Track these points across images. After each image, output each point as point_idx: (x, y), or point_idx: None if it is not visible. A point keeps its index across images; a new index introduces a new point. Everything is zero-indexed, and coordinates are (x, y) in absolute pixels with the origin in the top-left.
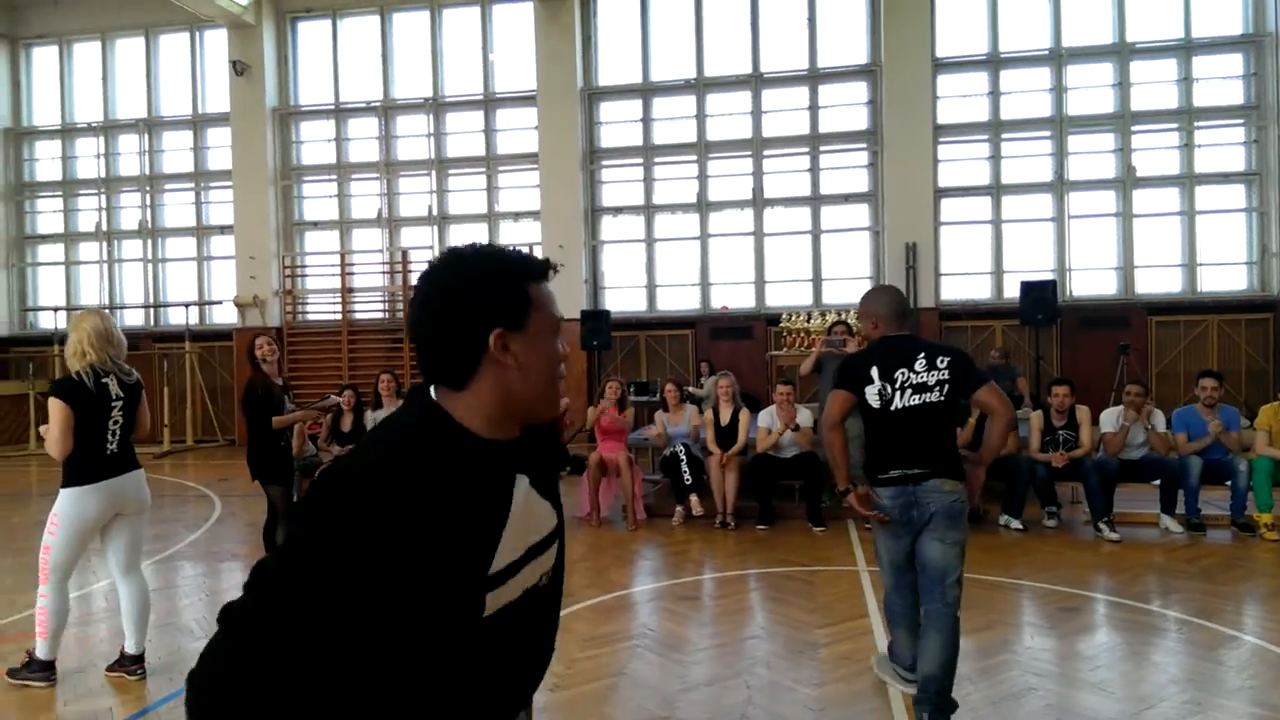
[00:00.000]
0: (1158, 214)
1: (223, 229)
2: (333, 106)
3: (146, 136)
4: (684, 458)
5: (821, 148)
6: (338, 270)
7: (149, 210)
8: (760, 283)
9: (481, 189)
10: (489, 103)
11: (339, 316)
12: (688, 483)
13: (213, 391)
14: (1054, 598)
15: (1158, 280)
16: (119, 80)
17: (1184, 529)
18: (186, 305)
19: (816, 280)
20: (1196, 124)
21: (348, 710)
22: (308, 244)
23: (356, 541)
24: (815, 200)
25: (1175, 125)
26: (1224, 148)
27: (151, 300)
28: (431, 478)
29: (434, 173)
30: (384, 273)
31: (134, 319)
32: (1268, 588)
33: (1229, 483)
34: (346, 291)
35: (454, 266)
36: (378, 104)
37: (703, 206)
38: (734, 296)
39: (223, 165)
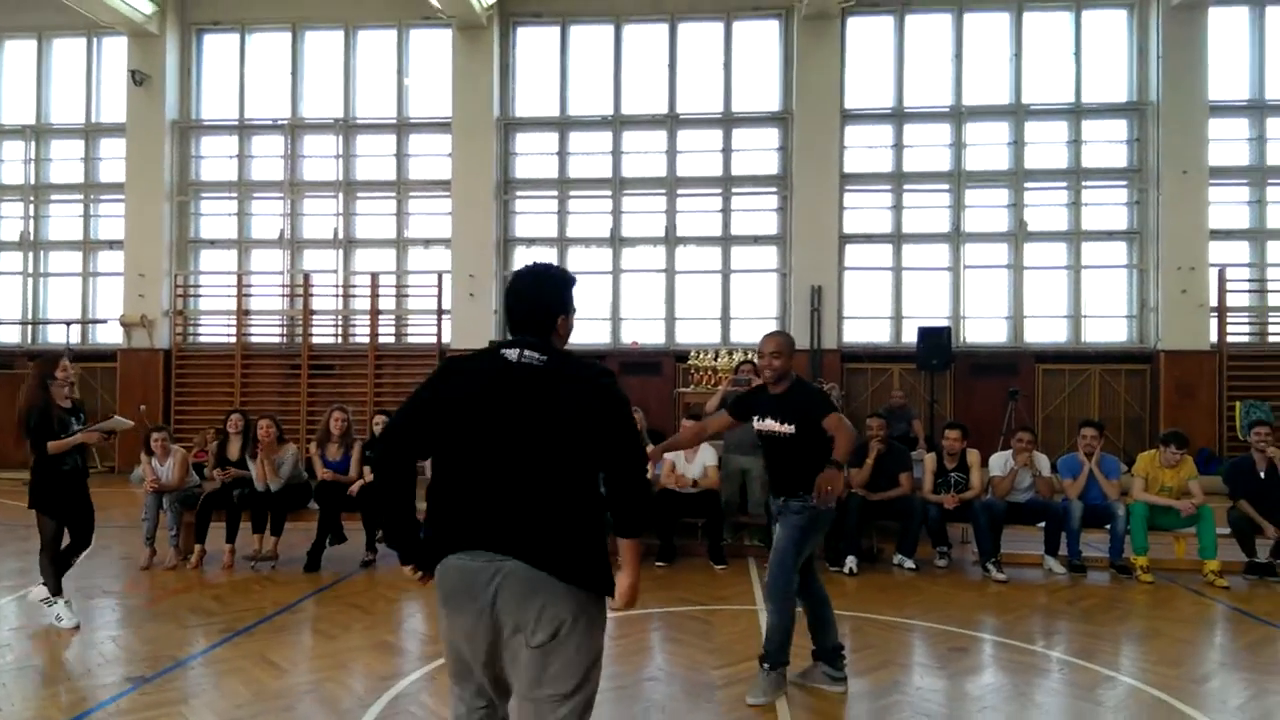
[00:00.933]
0: (1046, 267)
1: (111, 244)
2: (236, 122)
3: (34, 144)
4: None
5: (733, 189)
6: (234, 291)
7: (32, 221)
8: (670, 319)
9: (391, 214)
10: (402, 127)
11: (233, 340)
12: None
13: (93, 416)
14: (944, 638)
15: (1045, 330)
16: (6, 84)
17: (1066, 570)
18: (68, 323)
19: (725, 319)
20: (1084, 184)
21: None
22: (203, 263)
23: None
24: (726, 240)
25: (1065, 184)
26: (1108, 207)
27: (30, 316)
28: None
29: (341, 195)
30: (284, 295)
31: (10, 336)
32: (1142, 629)
33: (1108, 526)
34: (242, 314)
35: (551, 276)
36: (285, 122)
37: (616, 241)
38: (644, 332)
39: (115, 177)
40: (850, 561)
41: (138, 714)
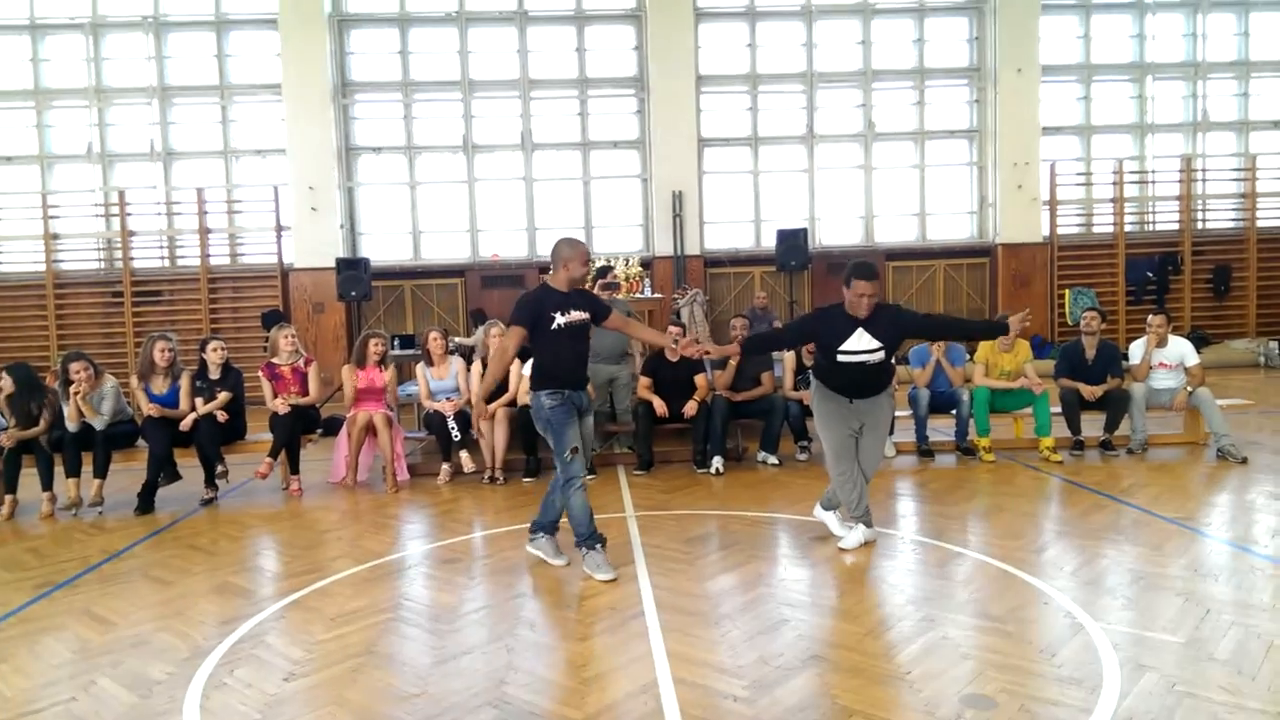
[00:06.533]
0: (894, 167)
1: None
2: (28, 21)
3: None
4: (450, 412)
5: (590, 92)
6: (38, 213)
7: None
8: (531, 229)
9: (216, 121)
10: (221, 24)
11: (42, 267)
12: (456, 439)
13: None
14: (807, 528)
15: (894, 229)
16: None
17: (915, 454)
18: None
19: (588, 227)
20: (928, 83)
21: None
22: None
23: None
24: (584, 145)
25: (910, 84)
26: (951, 106)
27: None
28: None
29: (156, 101)
30: (98, 216)
31: None
32: (986, 506)
33: (954, 412)
34: (50, 238)
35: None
36: (85, 20)
37: (469, 149)
38: (505, 244)
39: None
40: (716, 462)
41: None
